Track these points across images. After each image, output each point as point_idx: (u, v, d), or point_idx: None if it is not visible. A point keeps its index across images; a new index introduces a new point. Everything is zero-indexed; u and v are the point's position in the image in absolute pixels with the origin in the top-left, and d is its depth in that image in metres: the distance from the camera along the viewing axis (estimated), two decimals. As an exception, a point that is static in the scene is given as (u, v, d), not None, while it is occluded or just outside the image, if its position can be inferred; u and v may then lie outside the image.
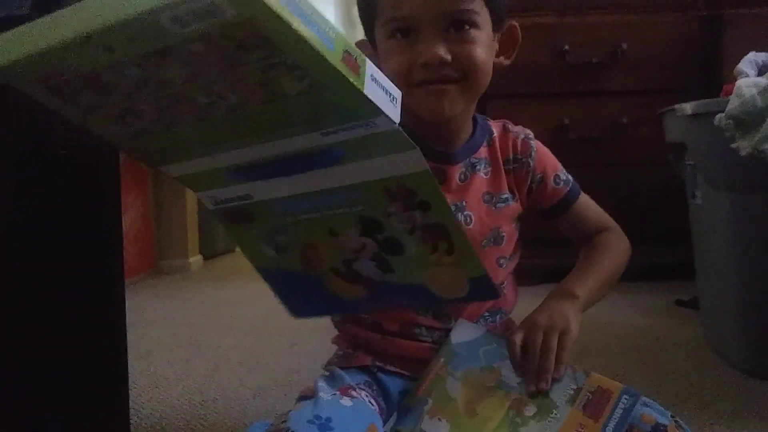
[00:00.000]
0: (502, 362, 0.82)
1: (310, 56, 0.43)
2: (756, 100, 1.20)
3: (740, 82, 1.25)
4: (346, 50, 0.45)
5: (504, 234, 0.91)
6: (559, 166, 0.95)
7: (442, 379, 0.82)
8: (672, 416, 0.77)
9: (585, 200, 0.97)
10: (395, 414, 0.82)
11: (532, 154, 0.92)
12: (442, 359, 0.84)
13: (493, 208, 0.90)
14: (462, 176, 0.89)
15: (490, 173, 0.91)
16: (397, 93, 0.50)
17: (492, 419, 0.77)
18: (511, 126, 0.94)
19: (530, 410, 0.78)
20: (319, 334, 1.71)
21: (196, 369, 1.48)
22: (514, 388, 0.80)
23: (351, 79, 0.45)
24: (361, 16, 0.90)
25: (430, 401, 0.80)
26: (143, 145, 0.59)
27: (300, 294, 0.74)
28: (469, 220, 0.88)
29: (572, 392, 0.78)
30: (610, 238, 0.96)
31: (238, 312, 2.08)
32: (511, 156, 0.92)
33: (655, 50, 2.16)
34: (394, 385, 0.87)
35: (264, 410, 1.24)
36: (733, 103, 1.22)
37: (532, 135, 0.94)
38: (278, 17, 0.40)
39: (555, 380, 0.79)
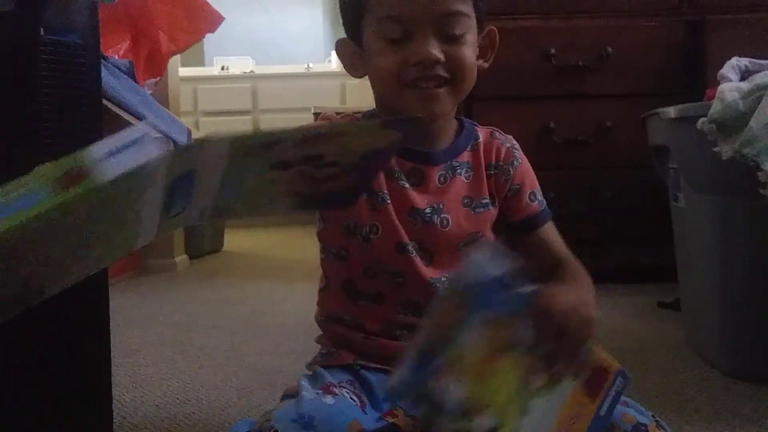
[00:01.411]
0: (520, 313, 0.72)
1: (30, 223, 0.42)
2: (738, 104, 1.22)
3: (723, 87, 1.27)
4: (66, 173, 0.42)
5: (485, 239, 0.91)
6: (538, 185, 0.95)
7: (455, 329, 0.71)
8: (652, 416, 0.78)
9: (553, 228, 0.95)
10: (399, 369, 0.74)
11: (514, 163, 0.92)
12: (456, 302, 0.72)
13: (473, 212, 0.90)
14: (441, 178, 0.89)
15: (471, 177, 0.91)
16: (138, 133, 0.46)
17: (505, 385, 0.71)
18: (498, 134, 0.95)
19: (538, 381, 0.72)
20: (303, 333, 1.71)
21: (180, 368, 1.48)
22: (529, 347, 0.71)
23: (81, 192, 0.43)
24: (344, 14, 0.90)
25: (442, 357, 0.70)
26: None
27: None
28: (446, 222, 0.88)
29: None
30: (581, 271, 0.91)
31: (223, 312, 2.08)
32: (493, 161, 0.92)
33: (639, 54, 2.18)
34: (378, 380, 0.87)
35: (248, 409, 1.24)
36: (715, 108, 1.24)
37: (518, 146, 0.94)
38: None
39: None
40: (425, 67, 0.81)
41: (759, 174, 1.16)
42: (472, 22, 0.84)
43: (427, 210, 0.87)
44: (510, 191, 0.92)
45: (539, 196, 0.94)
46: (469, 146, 0.92)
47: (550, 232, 0.94)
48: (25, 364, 0.93)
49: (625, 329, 1.74)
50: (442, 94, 0.83)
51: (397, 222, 0.87)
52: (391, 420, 0.81)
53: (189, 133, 2.65)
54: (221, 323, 1.89)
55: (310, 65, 4.82)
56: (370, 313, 0.89)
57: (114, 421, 1.10)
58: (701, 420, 1.15)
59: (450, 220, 0.88)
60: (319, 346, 0.96)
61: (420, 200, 0.87)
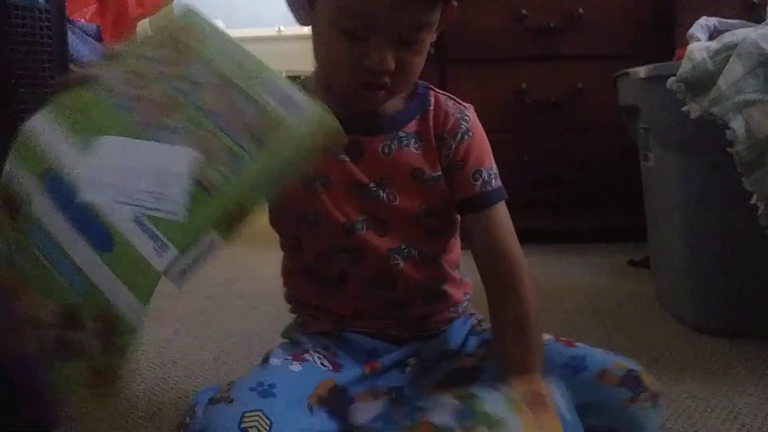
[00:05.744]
0: None
1: None
2: (707, 63, 1.23)
3: (692, 47, 1.28)
4: None
5: (437, 209, 0.86)
6: (488, 163, 0.86)
7: None
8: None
9: (501, 215, 0.85)
10: None
11: (459, 136, 0.84)
12: None
13: (423, 185, 0.84)
14: (386, 149, 0.83)
15: (421, 148, 0.84)
16: None
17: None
18: (453, 102, 0.87)
19: None
20: (279, 298, 1.71)
21: (155, 333, 1.48)
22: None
23: None
24: None
25: None
26: None
27: None
28: (393, 197, 0.83)
29: (508, 401, 0.69)
30: (529, 301, 0.81)
31: (197, 277, 2.06)
32: (441, 132, 0.85)
33: (610, 15, 2.18)
34: (360, 340, 0.87)
35: (224, 374, 1.24)
36: (684, 67, 1.25)
37: (471, 117, 0.86)
38: None
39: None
40: (375, 74, 0.76)
41: (727, 132, 1.18)
42: (435, 25, 0.78)
43: (372, 185, 0.83)
44: (452, 166, 0.84)
45: (486, 176, 0.85)
46: (418, 115, 0.85)
47: (494, 218, 0.84)
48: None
49: (597, 287, 1.77)
50: (383, 96, 0.80)
51: (338, 204, 0.83)
52: (369, 371, 0.82)
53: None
54: (196, 288, 1.88)
55: (281, 28, 4.75)
56: (337, 296, 0.87)
57: (90, 386, 1.10)
58: (669, 373, 1.18)
59: (396, 194, 0.83)
60: (294, 315, 0.95)
61: (361, 174, 0.83)
